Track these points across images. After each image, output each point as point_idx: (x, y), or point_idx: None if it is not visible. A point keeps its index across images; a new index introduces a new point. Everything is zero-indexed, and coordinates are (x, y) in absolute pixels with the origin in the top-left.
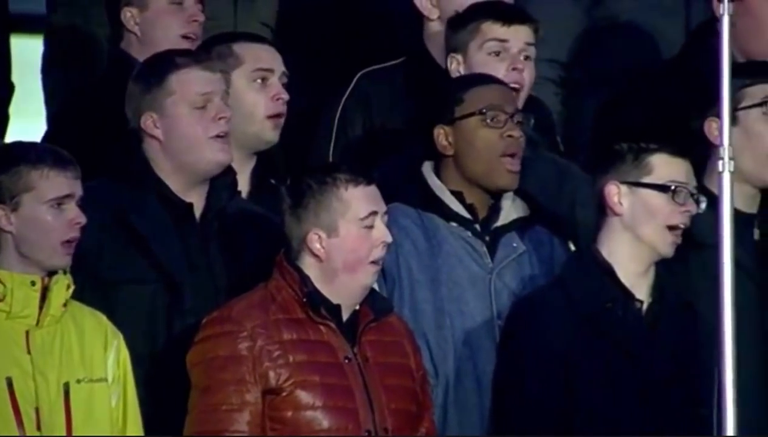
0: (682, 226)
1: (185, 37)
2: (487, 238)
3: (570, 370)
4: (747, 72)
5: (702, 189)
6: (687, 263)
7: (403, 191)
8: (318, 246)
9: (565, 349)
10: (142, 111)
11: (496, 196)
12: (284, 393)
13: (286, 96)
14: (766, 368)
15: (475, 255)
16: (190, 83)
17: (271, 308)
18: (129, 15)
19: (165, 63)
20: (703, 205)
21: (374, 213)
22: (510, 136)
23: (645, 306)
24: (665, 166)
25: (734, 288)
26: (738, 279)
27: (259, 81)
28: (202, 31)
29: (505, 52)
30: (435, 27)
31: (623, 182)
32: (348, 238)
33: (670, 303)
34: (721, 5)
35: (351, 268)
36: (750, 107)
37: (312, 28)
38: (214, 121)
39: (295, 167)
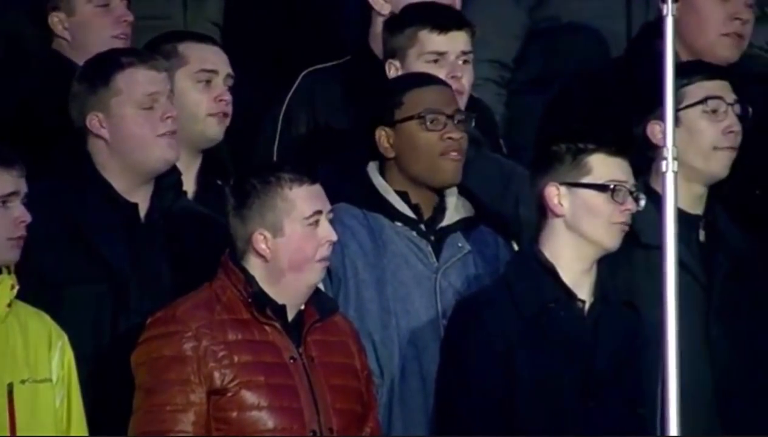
0: (623, 223)
1: (116, 37)
2: (433, 238)
3: (512, 370)
4: (684, 72)
5: (648, 190)
6: (631, 263)
7: (349, 191)
8: (263, 246)
9: (507, 349)
10: (87, 111)
11: (441, 195)
12: (229, 394)
13: (229, 97)
14: (709, 368)
15: (421, 255)
16: (137, 83)
17: (216, 308)
18: (56, 20)
19: (110, 63)
20: (643, 202)
21: (319, 212)
22: (450, 137)
23: (587, 306)
24: (603, 166)
25: (678, 289)
26: (682, 280)
27: (203, 82)
28: (131, 30)
29: (444, 60)
30: (380, 26)
31: (563, 183)
32: (293, 238)
33: (612, 303)
34: (665, 6)
35: (297, 267)
36: (691, 106)
37: (260, 26)
38: (162, 121)
39: (242, 167)
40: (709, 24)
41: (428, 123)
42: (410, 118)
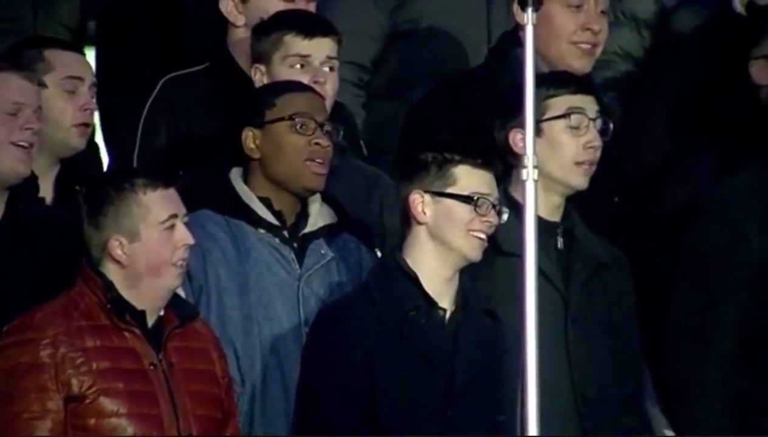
0: (484, 236)
1: None
2: (295, 245)
3: (374, 377)
4: (550, 83)
5: (507, 197)
6: (492, 271)
7: (211, 198)
8: (119, 252)
9: (369, 356)
10: None
11: (304, 201)
12: (87, 401)
13: (94, 106)
14: (568, 375)
15: (283, 262)
16: (5, 89)
17: (74, 315)
18: None
19: None
20: (505, 216)
21: (174, 215)
22: (317, 143)
23: (448, 315)
24: (468, 178)
25: (538, 296)
26: (542, 287)
27: (68, 89)
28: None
29: (308, 66)
30: (240, 34)
31: (427, 191)
32: (150, 242)
33: (473, 311)
34: (525, 15)
35: (155, 272)
36: (554, 119)
37: (120, 30)
38: (21, 129)
39: (95, 174)
40: (560, 34)
41: (298, 126)
42: (281, 119)
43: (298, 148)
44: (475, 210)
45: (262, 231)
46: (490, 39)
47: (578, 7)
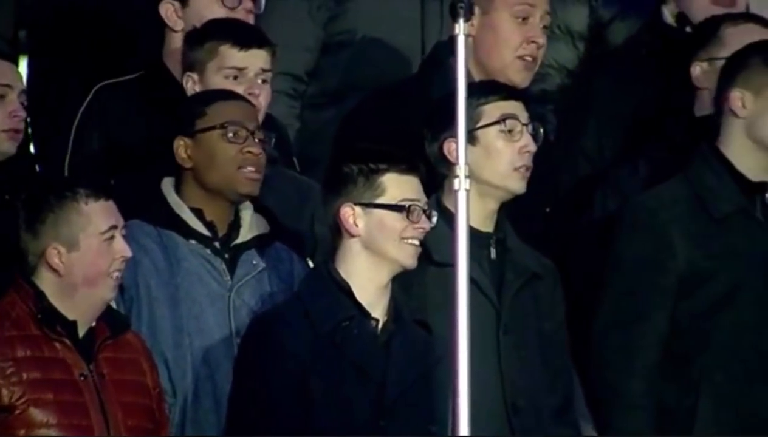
0: (418, 242)
1: None
2: (227, 256)
3: (306, 388)
4: (481, 91)
5: (440, 207)
6: (424, 281)
7: (143, 208)
8: (57, 261)
9: (301, 366)
10: None
11: (236, 211)
12: (17, 411)
13: (23, 114)
14: (499, 385)
15: (215, 273)
16: None
17: (4, 324)
18: None
19: None
20: (435, 219)
21: (114, 227)
22: (249, 151)
23: (380, 325)
24: (396, 185)
25: (470, 306)
26: (474, 297)
27: None
28: None
29: (243, 77)
30: (176, 42)
31: (357, 203)
32: (89, 253)
33: (405, 321)
34: (457, 25)
35: (91, 283)
36: (488, 126)
37: (53, 39)
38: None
39: (33, 182)
40: (506, 45)
41: (230, 134)
42: (212, 128)
43: (230, 157)
44: (407, 217)
45: (193, 242)
46: (425, 49)
47: (525, 19)
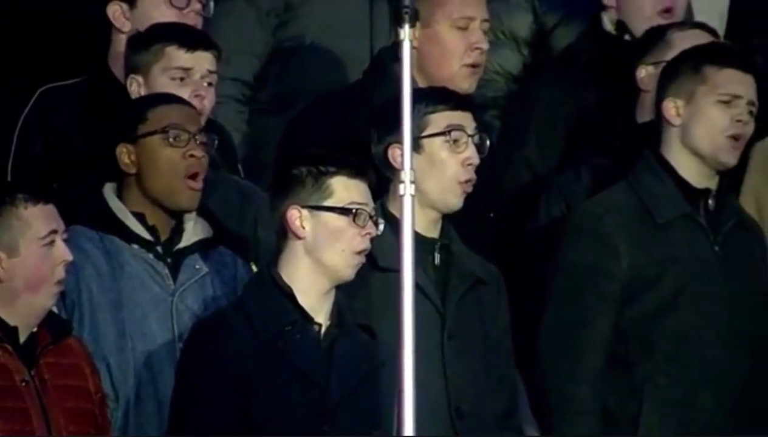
0: (363, 252)
1: None
2: (170, 260)
3: (249, 392)
4: (429, 99)
5: (385, 213)
6: (369, 287)
7: (85, 213)
8: None
9: (243, 371)
10: None
11: (178, 216)
12: None
13: None
14: (444, 390)
15: (158, 278)
16: None
17: None
18: None
19: None
20: (381, 226)
21: (54, 231)
22: (192, 155)
23: (323, 330)
24: (344, 189)
25: (415, 312)
26: (419, 302)
27: None
28: None
29: (189, 78)
30: (122, 45)
31: (305, 206)
32: (29, 258)
33: (348, 326)
34: (402, 31)
35: (33, 288)
36: (434, 136)
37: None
38: None
39: None
40: (452, 55)
41: (171, 139)
42: (153, 132)
43: (174, 162)
44: (353, 221)
45: (135, 246)
46: (372, 55)
47: (465, 27)
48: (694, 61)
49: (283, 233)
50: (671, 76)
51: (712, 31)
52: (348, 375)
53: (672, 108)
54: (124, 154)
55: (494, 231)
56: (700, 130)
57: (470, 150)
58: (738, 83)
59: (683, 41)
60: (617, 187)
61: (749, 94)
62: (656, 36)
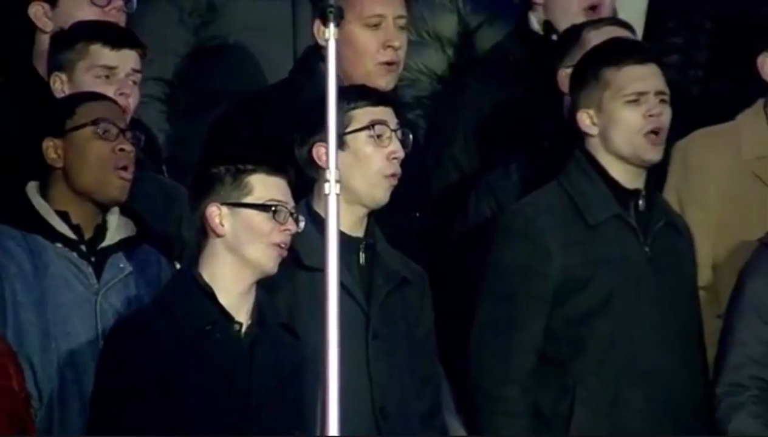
0: (283, 246)
1: None
2: (93, 259)
3: (170, 392)
4: (351, 96)
5: (310, 212)
6: (294, 285)
7: (7, 212)
8: None
9: (164, 370)
10: None
11: (103, 214)
12: None
13: None
14: (368, 389)
15: (81, 277)
16: None
17: None
18: None
19: None
20: (302, 224)
21: None
22: (122, 149)
23: (244, 329)
24: (264, 186)
25: (339, 311)
26: (343, 302)
27: None
28: None
29: (113, 77)
30: (46, 44)
31: (224, 203)
32: None
33: (269, 325)
34: (327, 30)
35: None
36: (357, 131)
37: None
38: None
39: None
40: (364, 54)
41: (101, 132)
42: (83, 125)
43: (103, 155)
44: (273, 218)
45: (59, 245)
46: (296, 56)
47: (376, 25)
48: (594, 67)
49: (203, 231)
50: (578, 86)
51: (626, 26)
52: (269, 374)
53: (586, 119)
54: (51, 149)
55: (419, 231)
56: (618, 135)
57: (394, 144)
58: (640, 79)
59: (598, 40)
60: (548, 187)
61: (655, 85)
62: (573, 36)
